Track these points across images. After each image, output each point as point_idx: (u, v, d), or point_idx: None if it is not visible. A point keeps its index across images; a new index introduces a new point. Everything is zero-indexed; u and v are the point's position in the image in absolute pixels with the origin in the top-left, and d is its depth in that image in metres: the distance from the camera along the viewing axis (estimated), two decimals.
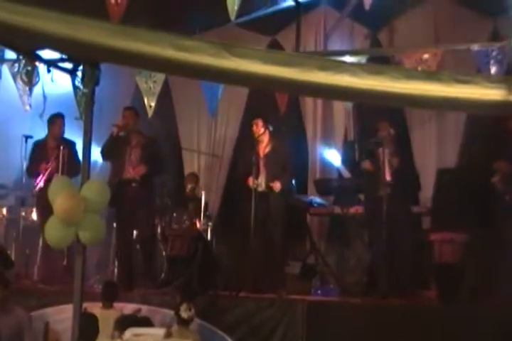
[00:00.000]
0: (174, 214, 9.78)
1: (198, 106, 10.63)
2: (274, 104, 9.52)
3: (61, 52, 4.62)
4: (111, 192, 8.00)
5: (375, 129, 8.56)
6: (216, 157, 10.74)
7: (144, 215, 8.72)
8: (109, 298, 7.72)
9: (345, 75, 3.28)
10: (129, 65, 3.49)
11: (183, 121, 10.96)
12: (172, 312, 7.46)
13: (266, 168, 8.69)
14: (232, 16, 5.29)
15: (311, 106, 10.35)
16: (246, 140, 9.88)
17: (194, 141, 10.91)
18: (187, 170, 10.83)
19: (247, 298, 8.05)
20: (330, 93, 3.51)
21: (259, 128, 8.71)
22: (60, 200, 6.29)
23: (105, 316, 7.39)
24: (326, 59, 3.57)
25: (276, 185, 8.57)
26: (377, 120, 8.44)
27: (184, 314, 7.14)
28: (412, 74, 3.52)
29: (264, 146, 8.79)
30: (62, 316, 7.93)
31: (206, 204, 9.89)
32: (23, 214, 9.50)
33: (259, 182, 8.57)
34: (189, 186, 10.33)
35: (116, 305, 7.76)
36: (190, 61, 3.05)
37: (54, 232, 6.39)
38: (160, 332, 3.90)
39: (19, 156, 9.25)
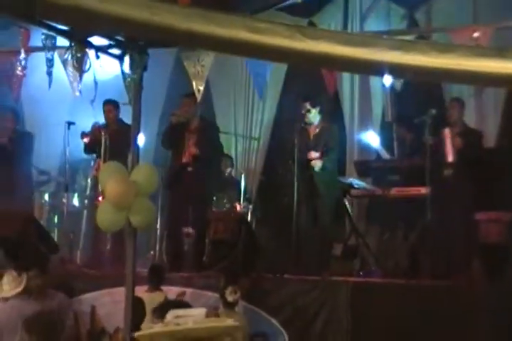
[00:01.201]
0: (214, 198, 9.86)
1: (234, 88, 10.63)
2: (318, 84, 9.48)
3: (140, 36, 4.64)
4: (170, 177, 8.18)
5: (414, 111, 8.54)
6: (254, 139, 10.74)
7: (199, 199, 8.77)
8: (155, 281, 7.79)
9: (417, 54, 3.29)
10: (204, 48, 3.51)
11: (220, 105, 10.95)
12: (216, 295, 7.54)
13: (313, 149, 8.69)
14: None
15: (348, 87, 10.30)
16: (284, 121, 9.90)
17: (231, 124, 10.91)
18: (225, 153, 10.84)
19: (291, 279, 8.08)
20: (402, 72, 3.51)
21: (308, 110, 8.72)
22: (110, 185, 6.37)
23: (151, 299, 7.47)
24: (397, 39, 3.58)
25: (317, 165, 8.58)
26: (418, 100, 8.41)
27: (230, 297, 7.19)
28: (482, 52, 3.51)
29: (314, 127, 8.78)
30: (106, 300, 8.02)
31: (245, 187, 9.93)
32: (65, 199, 9.56)
33: (304, 164, 8.59)
34: (227, 169, 10.38)
35: (162, 288, 7.84)
36: (264, 43, 3.07)
37: (105, 216, 6.46)
38: (201, 312, 3.94)
39: (62, 143, 9.31)
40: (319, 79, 9.42)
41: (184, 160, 8.81)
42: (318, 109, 8.76)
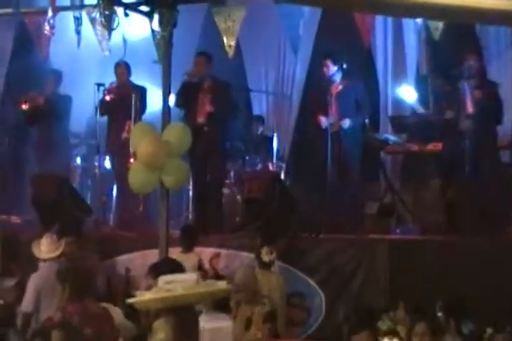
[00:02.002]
0: (246, 157, 9.75)
1: (265, 45, 10.41)
2: (351, 38, 9.24)
3: None
4: None
5: (451, 62, 8.31)
6: (285, 97, 10.55)
7: (217, 159, 8.68)
8: (188, 242, 7.72)
9: None
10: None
11: (250, 62, 10.74)
12: (251, 256, 7.47)
13: (338, 107, 8.53)
14: None
15: (381, 40, 10.04)
16: (315, 78, 9.70)
17: (262, 82, 10.71)
18: (255, 112, 10.69)
19: (327, 238, 8.00)
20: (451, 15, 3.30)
21: (330, 67, 8.54)
22: (143, 145, 6.29)
23: (185, 261, 7.40)
24: None
25: (345, 122, 8.43)
26: (460, 51, 8.17)
27: (265, 257, 7.12)
28: None
29: (337, 85, 8.61)
30: (141, 261, 7.99)
31: (278, 145, 9.79)
32: (97, 161, 9.50)
33: (330, 122, 8.43)
34: (259, 128, 10.25)
35: (195, 249, 7.78)
36: None
37: (138, 177, 6.40)
38: (192, 277, 3.87)
39: (91, 104, 9.21)
40: (353, 31, 9.19)
41: (199, 120, 8.67)
42: (338, 66, 8.53)
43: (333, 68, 8.55)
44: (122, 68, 9.15)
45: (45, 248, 6.83)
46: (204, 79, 8.70)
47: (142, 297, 3.96)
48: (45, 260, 6.86)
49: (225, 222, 8.90)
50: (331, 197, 8.34)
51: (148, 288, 4.60)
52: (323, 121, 8.44)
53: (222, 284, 4.05)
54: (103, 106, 9.16)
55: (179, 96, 8.64)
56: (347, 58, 8.86)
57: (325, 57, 8.67)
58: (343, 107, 8.55)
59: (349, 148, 8.50)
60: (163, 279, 3.99)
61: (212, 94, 8.68)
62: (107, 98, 9.10)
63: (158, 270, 5.43)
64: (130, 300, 3.94)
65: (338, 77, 8.62)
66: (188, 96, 8.60)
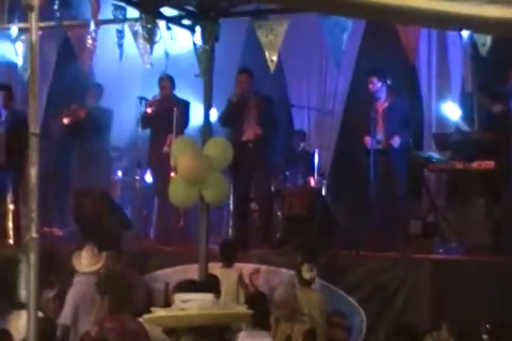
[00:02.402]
0: (287, 173, 9.68)
1: (307, 59, 10.36)
2: (395, 53, 9.12)
3: None
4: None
5: (497, 79, 8.16)
6: (327, 113, 10.47)
7: (261, 175, 8.62)
8: (228, 257, 7.64)
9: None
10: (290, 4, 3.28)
11: (292, 77, 10.69)
12: (291, 272, 7.37)
13: (384, 124, 8.42)
14: None
15: (425, 56, 9.92)
16: (358, 94, 9.60)
17: (303, 97, 10.65)
18: (297, 128, 10.62)
19: (369, 256, 7.87)
20: (501, 28, 3.21)
21: (375, 84, 8.44)
22: (183, 159, 6.24)
23: (225, 276, 7.35)
24: None
25: (396, 141, 8.32)
26: (507, 68, 8.02)
27: (306, 274, 7.03)
28: None
29: (382, 102, 8.51)
30: (181, 276, 7.93)
31: (319, 161, 9.71)
32: (138, 175, 9.49)
33: (377, 139, 8.32)
34: (300, 144, 10.17)
35: (235, 265, 7.70)
36: None
37: (178, 191, 6.36)
38: (208, 297, 3.78)
39: (133, 118, 9.22)
40: (396, 47, 9.07)
41: (245, 137, 8.64)
42: (384, 82, 8.43)
43: (378, 85, 8.46)
44: (166, 81, 9.15)
45: (86, 261, 6.84)
46: (248, 96, 8.69)
47: (156, 314, 3.89)
48: (84, 273, 6.86)
49: (266, 238, 8.82)
50: (373, 215, 8.21)
51: (168, 305, 4.55)
52: (369, 141, 8.34)
53: (241, 309, 3.95)
54: (145, 120, 9.17)
55: (224, 116, 8.65)
56: (391, 74, 8.77)
57: (370, 73, 8.58)
58: (390, 124, 8.44)
59: (396, 166, 8.38)
60: (179, 297, 3.92)
61: (258, 111, 8.67)
62: (149, 111, 9.11)
63: (182, 289, 5.41)
64: (145, 317, 3.86)
65: (383, 94, 8.53)
66: (232, 115, 8.61)
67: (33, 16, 3.21)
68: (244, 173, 8.53)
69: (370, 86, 8.52)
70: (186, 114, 9.10)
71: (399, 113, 8.47)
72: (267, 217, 8.69)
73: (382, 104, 8.53)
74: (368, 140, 8.37)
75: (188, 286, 5.45)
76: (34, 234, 3.06)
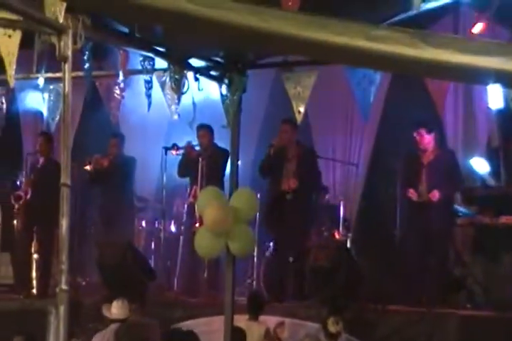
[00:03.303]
0: (312, 225, 9.59)
1: (332, 111, 10.38)
2: (424, 106, 9.12)
3: (245, 45, 4.48)
4: (268, 204, 8.01)
5: None
6: (352, 165, 10.43)
7: (297, 227, 8.56)
8: (254, 310, 7.55)
9: None
10: (318, 57, 3.29)
11: (317, 128, 10.70)
12: (317, 326, 7.26)
13: (428, 177, 8.34)
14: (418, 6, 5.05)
15: (451, 109, 9.90)
16: (386, 146, 9.57)
17: (329, 149, 10.63)
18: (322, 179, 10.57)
19: (396, 311, 7.75)
20: None
21: (424, 136, 8.36)
22: (209, 210, 6.19)
23: (252, 329, 7.26)
24: None
25: (434, 195, 8.20)
26: None
27: (332, 328, 6.93)
28: None
29: (428, 154, 8.44)
30: (205, 328, 7.84)
31: (344, 214, 9.63)
32: (162, 226, 9.46)
33: (419, 192, 8.22)
34: (326, 196, 10.11)
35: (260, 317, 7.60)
36: (382, 51, 2.82)
37: (203, 242, 6.29)
38: None
39: (158, 168, 9.23)
40: (424, 100, 9.07)
41: (283, 188, 8.63)
42: (433, 134, 8.39)
43: (427, 137, 8.41)
44: (204, 130, 9.16)
45: (116, 311, 6.87)
46: (289, 146, 8.70)
47: None
48: (112, 320, 6.92)
49: (293, 291, 8.72)
50: (400, 269, 8.09)
51: None
52: (413, 193, 8.25)
53: None
54: (183, 167, 9.16)
55: (264, 166, 8.66)
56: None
57: (419, 125, 8.51)
58: (434, 178, 8.34)
59: (436, 220, 8.24)
60: None
61: (297, 163, 8.66)
62: (173, 152, 9.13)
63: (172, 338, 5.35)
64: None
65: (430, 146, 8.46)
66: (272, 165, 8.61)
67: (67, 67, 3.22)
68: (280, 224, 8.49)
69: (418, 138, 8.44)
70: (225, 163, 9.09)
71: (443, 166, 8.38)
72: (297, 269, 8.61)
73: (428, 156, 8.46)
74: (411, 192, 8.25)
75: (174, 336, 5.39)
76: (64, 286, 3.01)
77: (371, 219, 9.73)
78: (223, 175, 9.02)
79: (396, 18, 6.08)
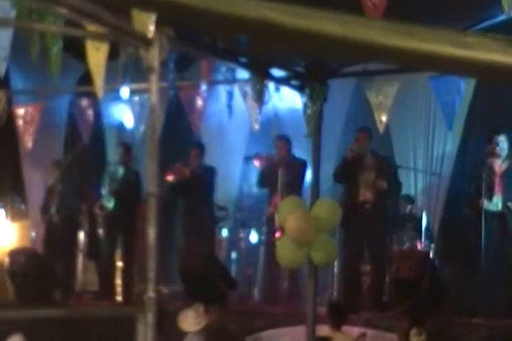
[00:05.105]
0: (393, 236, 9.49)
1: (414, 120, 10.24)
2: (507, 114, 8.92)
3: (330, 54, 4.49)
4: (346, 214, 7.96)
5: None
6: (434, 175, 10.26)
7: (377, 237, 8.50)
8: (337, 320, 7.48)
9: None
10: (405, 65, 3.25)
11: (398, 138, 10.57)
12: (398, 337, 7.15)
13: (502, 187, 8.17)
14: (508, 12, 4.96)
15: None
16: (468, 155, 9.41)
17: (410, 159, 10.49)
18: (403, 190, 10.43)
19: (482, 324, 7.55)
20: None
21: (501, 144, 8.19)
22: (291, 220, 6.19)
23: (336, 339, 7.19)
24: None
25: None
26: None
27: (414, 339, 6.81)
28: None
29: (501, 163, 8.27)
30: (287, 338, 7.82)
31: (426, 225, 9.48)
32: (243, 235, 9.50)
33: (494, 202, 8.06)
34: (407, 206, 9.99)
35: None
36: (471, 58, 2.76)
37: (285, 252, 6.29)
38: None
39: (238, 177, 9.28)
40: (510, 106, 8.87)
41: (361, 197, 8.57)
42: (508, 143, 8.21)
43: (504, 144, 8.24)
44: (282, 141, 9.19)
45: (192, 320, 6.86)
46: (365, 154, 8.65)
47: None
48: (187, 333, 6.87)
49: (371, 301, 8.63)
50: (486, 280, 7.92)
51: None
52: (485, 203, 8.09)
53: None
54: (263, 178, 9.21)
55: (340, 171, 8.62)
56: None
57: (498, 132, 8.35)
58: (508, 187, 8.18)
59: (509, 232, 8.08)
60: None
61: (375, 172, 8.60)
62: (256, 163, 9.15)
63: None
64: None
65: (504, 155, 8.29)
66: (347, 172, 8.57)
67: (154, 78, 3.27)
68: (358, 234, 8.43)
69: (495, 145, 8.29)
70: (303, 174, 9.09)
71: None
72: (378, 280, 8.53)
73: (501, 164, 8.30)
74: (483, 203, 8.11)
75: None
76: (151, 294, 3.05)
77: (454, 229, 9.54)
78: (302, 185, 9.01)
79: (483, 24, 6.01)
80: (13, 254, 9.68)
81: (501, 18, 5.79)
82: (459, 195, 9.45)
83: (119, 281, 9.51)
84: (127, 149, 9.87)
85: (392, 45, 2.71)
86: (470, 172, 8.68)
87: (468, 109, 9.77)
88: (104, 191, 9.81)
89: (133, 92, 8.43)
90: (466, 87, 7.55)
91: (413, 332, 6.81)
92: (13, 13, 5.06)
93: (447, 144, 10.19)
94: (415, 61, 2.86)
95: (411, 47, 2.75)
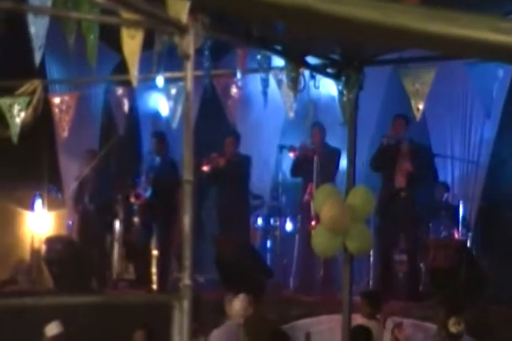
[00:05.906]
0: (430, 224, 9.42)
1: (450, 108, 10.12)
2: None
3: (367, 40, 4.44)
4: (382, 202, 7.94)
5: None
6: (472, 163, 10.15)
7: (412, 225, 8.44)
8: (371, 309, 7.46)
9: None
10: (443, 51, 3.19)
11: (435, 126, 10.46)
12: (435, 327, 7.10)
13: None
14: None
15: None
16: (505, 142, 9.29)
17: (447, 147, 10.38)
18: (440, 178, 10.34)
19: None
20: None
21: None
22: (326, 208, 6.16)
23: (373, 329, 7.16)
24: None
25: None
26: None
27: (453, 328, 6.75)
28: None
29: None
30: (322, 327, 7.81)
31: (463, 213, 9.39)
32: (278, 223, 9.48)
33: None
34: (443, 195, 9.90)
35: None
36: (509, 44, 2.70)
37: (321, 241, 6.27)
38: None
39: (274, 166, 9.26)
40: None
41: (397, 185, 8.50)
42: None
43: None
44: (317, 129, 9.15)
45: (239, 307, 6.94)
46: (402, 141, 8.59)
47: None
48: (231, 316, 7.03)
49: (407, 290, 8.58)
50: None
51: None
52: None
53: None
54: (297, 167, 9.16)
55: (376, 159, 8.57)
56: None
57: None
58: None
59: None
60: None
61: (412, 158, 8.54)
62: (291, 155, 9.14)
63: None
64: None
65: None
66: (385, 159, 8.52)
67: (189, 65, 3.24)
68: (394, 222, 8.39)
69: None
70: (337, 162, 9.04)
71: None
72: (414, 269, 8.47)
73: None
74: None
75: None
76: (187, 282, 3.04)
77: (492, 218, 9.44)
78: (336, 174, 8.98)
79: None
80: (50, 242, 9.77)
81: None
82: (496, 183, 9.34)
83: (154, 270, 9.56)
84: (161, 138, 9.90)
85: (429, 31, 2.67)
86: (508, 160, 8.57)
87: (506, 95, 9.65)
88: (141, 180, 9.85)
89: (168, 81, 8.41)
90: (504, 73, 7.42)
91: (451, 321, 6.75)
92: (49, 2, 5.07)
93: (485, 131, 10.06)
94: (453, 47, 2.81)
95: (449, 32, 2.70)
